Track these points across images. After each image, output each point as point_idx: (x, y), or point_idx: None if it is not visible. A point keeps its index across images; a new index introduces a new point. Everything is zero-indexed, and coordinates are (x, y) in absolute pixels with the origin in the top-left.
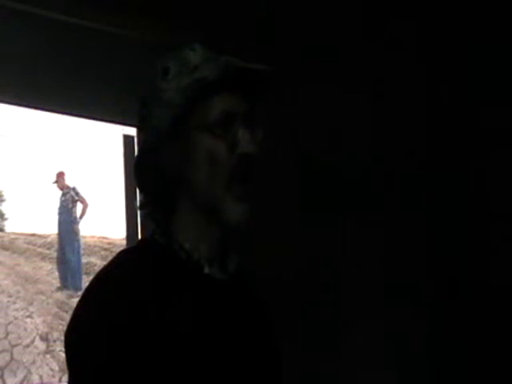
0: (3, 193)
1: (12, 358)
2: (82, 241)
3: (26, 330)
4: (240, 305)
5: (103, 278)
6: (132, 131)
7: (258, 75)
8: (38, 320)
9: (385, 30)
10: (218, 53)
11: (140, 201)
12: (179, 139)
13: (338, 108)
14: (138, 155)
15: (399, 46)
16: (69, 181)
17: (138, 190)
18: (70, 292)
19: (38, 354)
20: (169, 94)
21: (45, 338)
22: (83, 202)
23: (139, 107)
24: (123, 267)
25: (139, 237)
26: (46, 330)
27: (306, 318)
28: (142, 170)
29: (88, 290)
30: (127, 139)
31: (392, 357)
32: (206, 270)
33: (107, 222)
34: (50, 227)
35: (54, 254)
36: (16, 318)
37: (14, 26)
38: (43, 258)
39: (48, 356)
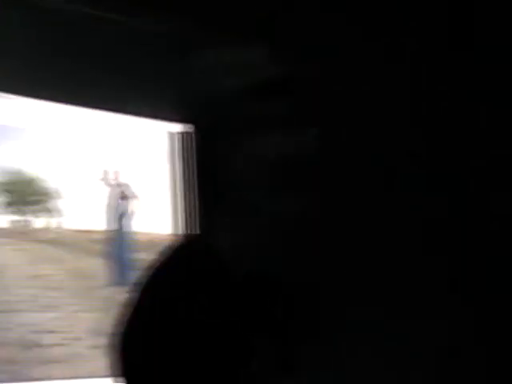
0: (58, 190)
1: (66, 352)
2: (131, 237)
3: (78, 324)
4: (243, 307)
5: (150, 275)
6: (178, 128)
7: (299, 80)
8: (89, 315)
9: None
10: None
11: (190, 196)
12: (232, 136)
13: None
14: (192, 151)
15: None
16: (119, 178)
17: (183, 187)
18: (120, 288)
19: (90, 347)
20: (225, 92)
21: (96, 332)
22: (133, 198)
23: (188, 104)
24: (165, 267)
25: (185, 233)
26: (97, 324)
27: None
28: (194, 166)
29: (137, 287)
30: (173, 136)
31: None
32: (243, 270)
33: (155, 219)
34: (100, 223)
35: (105, 250)
36: (69, 313)
37: (63, 26)
38: (94, 253)
39: (98, 351)
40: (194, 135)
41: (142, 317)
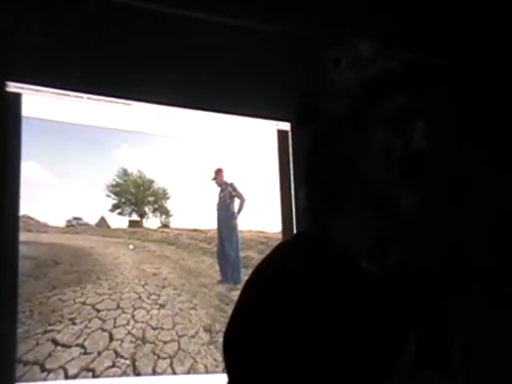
0: (168, 191)
1: (179, 348)
2: (239, 235)
3: (190, 321)
4: (396, 302)
5: (261, 272)
6: (286, 126)
7: (434, 70)
8: (202, 312)
9: None
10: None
11: (303, 193)
12: (355, 130)
13: None
14: (308, 146)
15: None
16: (226, 177)
17: (293, 185)
18: (230, 285)
19: (202, 344)
20: (346, 85)
21: (208, 330)
22: (240, 197)
23: (303, 99)
24: (280, 262)
25: (294, 231)
26: (208, 321)
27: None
28: (313, 161)
29: (247, 285)
30: (281, 134)
31: None
32: (364, 265)
33: (263, 217)
34: (210, 222)
35: (215, 249)
36: (181, 310)
37: (169, 30)
38: (204, 252)
39: (211, 347)
40: (302, 133)
41: (255, 315)
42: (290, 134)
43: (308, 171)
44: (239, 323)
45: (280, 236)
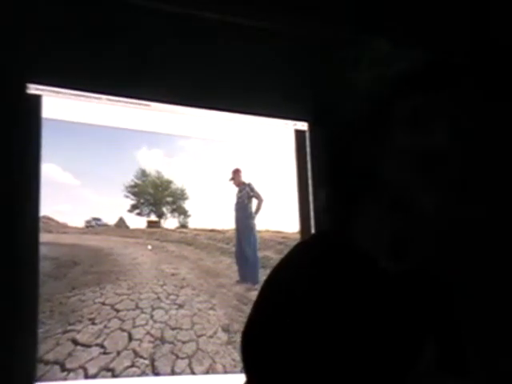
0: (186, 191)
1: (198, 348)
2: (257, 235)
3: (209, 321)
4: (413, 303)
5: (280, 272)
6: (303, 126)
7: (455, 69)
8: (220, 312)
9: None
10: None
11: (323, 194)
12: (376, 130)
13: None
14: (327, 147)
15: None
16: (244, 177)
17: (311, 184)
18: (249, 285)
19: (221, 344)
20: (366, 85)
21: (226, 330)
22: (258, 197)
23: (321, 99)
24: (299, 262)
25: (312, 231)
26: (227, 321)
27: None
28: (333, 162)
29: (265, 285)
30: (299, 134)
31: None
32: (382, 265)
33: (281, 217)
34: (228, 223)
35: (233, 249)
36: (200, 310)
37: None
38: (223, 252)
39: (230, 347)
40: (320, 133)
41: (268, 316)
42: (307, 133)
43: (328, 172)
44: (258, 323)
45: (298, 236)
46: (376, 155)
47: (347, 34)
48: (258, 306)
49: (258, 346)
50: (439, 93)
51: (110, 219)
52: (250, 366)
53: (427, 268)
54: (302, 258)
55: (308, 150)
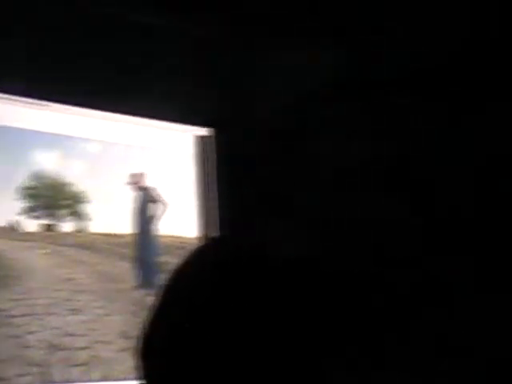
0: (85, 194)
1: (94, 355)
2: (158, 240)
3: (106, 327)
4: (308, 309)
5: (178, 277)
6: (207, 132)
7: (385, 78)
8: (118, 318)
9: None
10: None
11: (225, 201)
12: (287, 141)
13: None
14: (232, 155)
15: None
16: (146, 181)
17: (212, 191)
18: (148, 290)
19: (118, 350)
20: (282, 92)
21: (124, 336)
22: (160, 202)
23: (228, 104)
24: (195, 267)
25: (212, 235)
26: (125, 327)
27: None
28: (237, 172)
29: (163, 290)
30: (202, 140)
31: None
32: (280, 268)
33: (181, 222)
34: (127, 227)
35: (132, 254)
36: (97, 316)
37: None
38: (122, 257)
39: (128, 353)
40: (224, 138)
41: (166, 320)
42: (210, 139)
43: (233, 181)
44: (155, 330)
45: (198, 242)
46: (285, 168)
47: (260, 36)
48: (156, 312)
49: (155, 353)
50: (362, 102)
51: (3, 222)
52: (145, 374)
53: (336, 277)
54: (199, 263)
55: (210, 156)
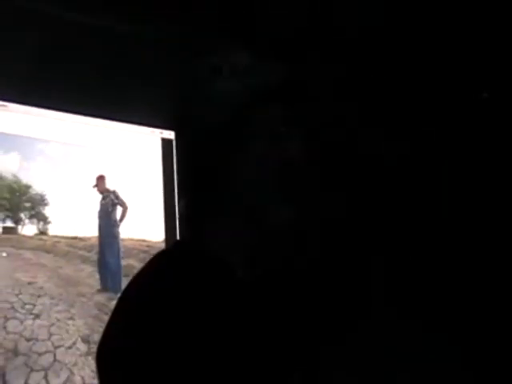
0: (46, 196)
1: (55, 360)
2: (121, 243)
3: (67, 331)
4: (263, 309)
5: (136, 282)
6: (170, 135)
7: (310, 83)
8: (80, 322)
9: None
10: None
11: (181, 203)
12: (233, 141)
13: None
14: (189, 157)
15: None
16: (108, 184)
17: (176, 194)
18: (110, 294)
19: (80, 355)
20: (224, 95)
21: (86, 340)
22: (123, 205)
23: (183, 107)
24: (156, 274)
25: (177, 239)
26: (87, 331)
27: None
28: (192, 172)
29: (122, 295)
30: (166, 142)
31: None
32: (239, 274)
33: (145, 226)
34: (90, 230)
35: (95, 257)
36: (58, 320)
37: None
38: (84, 260)
39: (89, 358)
40: (184, 141)
41: (126, 326)
42: (174, 142)
43: (188, 182)
44: (113, 336)
45: (163, 245)
46: (234, 166)
47: (213, 42)
48: (115, 317)
49: (114, 360)
50: (297, 105)
51: None
52: (103, 381)
53: (282, 275)
54: (158, 267)
55: (174, 159)
